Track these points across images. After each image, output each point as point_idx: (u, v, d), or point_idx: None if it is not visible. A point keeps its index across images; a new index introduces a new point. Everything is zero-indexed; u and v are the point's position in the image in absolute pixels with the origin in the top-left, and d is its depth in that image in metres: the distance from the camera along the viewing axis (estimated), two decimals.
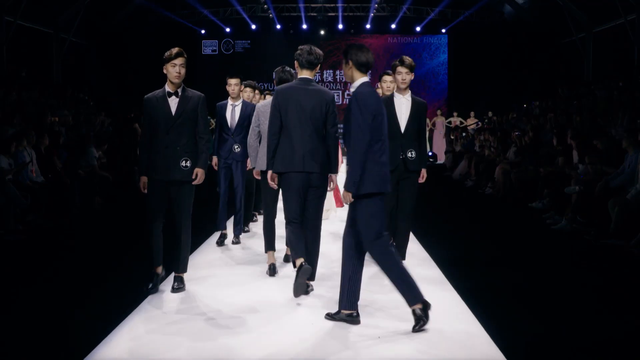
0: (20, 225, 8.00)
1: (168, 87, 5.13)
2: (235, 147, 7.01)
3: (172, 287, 5.22)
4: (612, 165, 8.37)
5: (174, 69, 5.05)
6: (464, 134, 18.55)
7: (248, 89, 7.73)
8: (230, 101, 7.14)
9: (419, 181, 5.81)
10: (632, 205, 7.18)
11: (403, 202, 5.76)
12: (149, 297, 5.06)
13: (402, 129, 5.68)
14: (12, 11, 15.48)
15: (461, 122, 20.12)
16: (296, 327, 4.43)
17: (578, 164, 9.12)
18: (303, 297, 5.08)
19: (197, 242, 7.04)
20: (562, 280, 5.97)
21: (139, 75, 21.14)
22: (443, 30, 22.71)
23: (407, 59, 5.67)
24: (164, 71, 5.12)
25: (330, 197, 9.35)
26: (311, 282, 5.25)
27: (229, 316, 4.62)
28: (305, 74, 5.13)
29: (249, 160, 6.91)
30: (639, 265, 6.44)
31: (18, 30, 16.08)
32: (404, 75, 5.64)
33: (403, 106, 5.71)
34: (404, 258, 5.72)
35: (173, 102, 5.09)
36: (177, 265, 5.27)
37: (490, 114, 20.06)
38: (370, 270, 6.02)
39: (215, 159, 7.10)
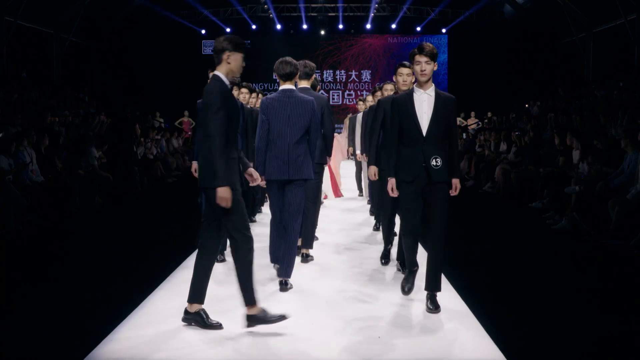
0: (21, 225, 8.00)
1: (228, 83, 4.37)
2: None
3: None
4: (612, 165, 8.37)
5: (242, 62, 4.37)
6: (464, 134, 18.55)
7: (244, 90, 7.43)
8: None
9: (452, 194, 4.74)
10: (632, 205, 7.18)
11: (433, 220, 4.71)
12: (149, 297, 5.07)
13: (424, 131, 4.70)
14: (12, 11, 15.48)
15: (461, 122, 20.11)
16: (295, 327, 4.43)
17: (579, 163, 9.10)
18: (301, 297, 5.08)
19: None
20: (562, 280, 5.97)
21: (139, 75, 21.16)
22: (443, 30, 22.71)
23: (428, 46, 4.71)
24: (227, 61, 4.26)
25: (327, 183, 9.87)
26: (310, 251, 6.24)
27: (228, 317, 4.61)
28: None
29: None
30: (639, 265, 6.44)
31: (18, 30, 16.07)
32: (424, 65, 4.68)
33: (424, 103, 4.72)
34: (438, 289, 4.77)
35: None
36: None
37: (489, 114, 20.07)
38: (368, 272, 6.02)
39: (195, 165, 6.30)
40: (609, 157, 8.66)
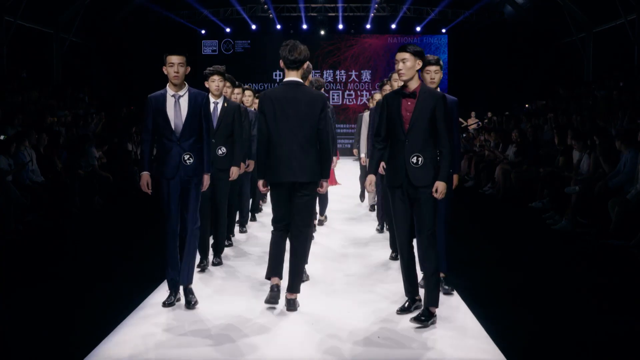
0: (20, 225, 8.00)
1: None
2: (186, 157, 4.89)
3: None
4: (613, 163, 8.37)
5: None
6: (464, 135, 18.55)
7: (216, 77, 5.91)
8: (171, 90, 4.89)
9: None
10: (632, 205, 7.18)
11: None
12: (149, 297, 5.07)
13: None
14: (12, 11, 15.47)
15: (461, 123, 20.10)
16: (296, 327, 4.43)
17: (579, 162, 9.10)
18: (301, 297, 5.08)
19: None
20: (562, 280, 5.97)
21: (139, 75, 21.15)
22: (443, 30, 22.70)
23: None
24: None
25: None
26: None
27: (228, 317, 4.62)
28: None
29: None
30: (639, 265, 6.44)
31: (18, 30, 16.07)
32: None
33: None
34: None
35: None
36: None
37: (489, 114, 20.07)
38: (368, 272, 6.02)
39: (146, 177, 5.16)
40: (609, 156, 8.66)
